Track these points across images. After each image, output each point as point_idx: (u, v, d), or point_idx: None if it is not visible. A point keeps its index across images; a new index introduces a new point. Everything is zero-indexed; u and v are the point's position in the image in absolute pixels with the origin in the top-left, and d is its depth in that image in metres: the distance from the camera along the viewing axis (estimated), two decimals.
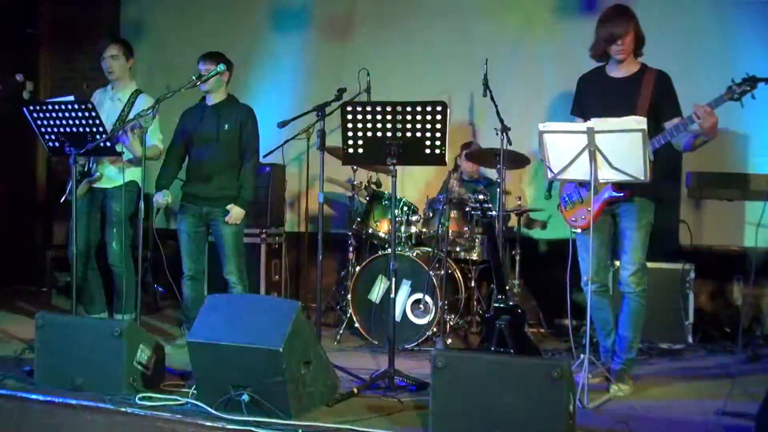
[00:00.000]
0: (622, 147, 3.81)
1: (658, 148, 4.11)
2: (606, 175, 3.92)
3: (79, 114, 4.63)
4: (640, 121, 3.77)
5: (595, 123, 3.84)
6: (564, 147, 3.94)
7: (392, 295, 4.40)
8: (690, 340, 5.44)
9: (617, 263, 4.48)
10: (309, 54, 7.21)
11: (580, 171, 3.95)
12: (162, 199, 5.20)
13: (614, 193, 4.22)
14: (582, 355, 4.04)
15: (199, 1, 7.57)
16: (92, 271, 5.51)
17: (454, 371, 3.44)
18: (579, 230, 4.34)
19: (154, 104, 4.77)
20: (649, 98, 4.22)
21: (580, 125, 3.93)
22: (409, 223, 5.75)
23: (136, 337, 4.06)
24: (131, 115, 5.13)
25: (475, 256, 5.80)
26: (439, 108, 4.13)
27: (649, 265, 4.42)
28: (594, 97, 4.39)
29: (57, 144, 4.77)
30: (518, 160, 5.65)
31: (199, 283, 5.28)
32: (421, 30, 6.86)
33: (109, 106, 5.42)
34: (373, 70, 5.93)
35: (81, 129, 4.67)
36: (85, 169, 5.36)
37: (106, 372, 3.95)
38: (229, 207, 5.09)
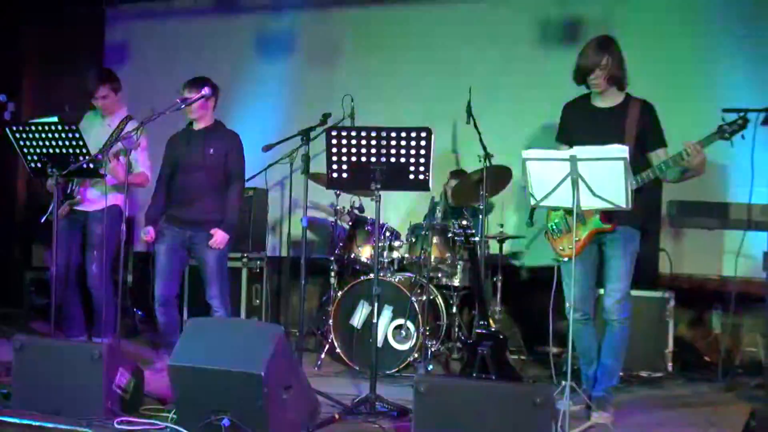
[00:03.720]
0: (604, 175, 3.83)
1: (647, 182, 4.17)
2: (588, 202, 3.94)
3: (63, 135, 4.63)
4: (622, 150, 3.80)
5: (577, 151, 3.88)
6: (547, 174, 3.95)
7: (374, 321, 4.40)
8: (669, 368, 5.46)
9: (601, 291, 4.50)
10: (294, 80, 7.24)
11: (562, 198, 3.97)
12: (147, 236, 5.17)
13: (602, 224, 4.25)
14: (564, 382, 4.04)
15: (185, 26, 7.59)
16: (71, 294, 5.46)
17: (436, 397, 3.44)
18: (565, 259, 4.35)
19: (137, 127, 4.77)
20: (635, 128, 4.28)
21: (563, 153, 3.95)
22: (391, 249, 5.76)
23: (115, 360, 4.02)
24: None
25: (457, 282, 5.82)
26: (423, 134, 4.17)
27: None
28: (580, 126, 4.43)
29: (39, 165, 4.76)
30: (501, 179, 5.64)
31: (170, 309, 5.18)
32: (405, 58, 6.92)
33: (98, 130, 5.43)
34: (358, 97, 5.96)
35: (64, 150, 4.66)
36: (68, 191, 5.34)
37: (84, 395, 3.91)
38: (213, 231, 5.05)
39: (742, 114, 4.04)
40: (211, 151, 5.10)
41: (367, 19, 7.11)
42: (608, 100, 4.40)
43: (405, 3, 7.03)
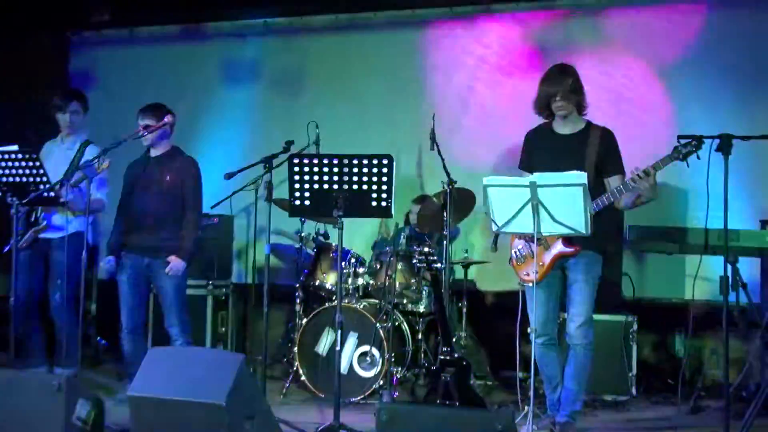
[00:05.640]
0: (563, 201, 3.89)
1: (602, 208, 4.22)
2: (548, 228, 3.98)
3: (23, 164, 4.59)
4: (580, 176, 3.85)
5: (537, 177, 3.92)
6: (508, 201, 4.00)
7: (338, 348, 4.38)
8: (633, 391, 5.48)
9: (564, 315, 4.53)
10: (258, 107, 7.27)
11: (523, 224, 4.01)
12: (109, 266, 5.14)
13: (564, 249, 4.29)
14: (527, 407, 4.06)
15: (149, 53, 7.59)
16: (33, 324, 5.38)
17: (399, 425, 3.43)
18: (530, 284, 4.38)
19: (99, 154, 4.74)
20: (595, 155, 4.34)
21: (523, 179, 4.00)
22: (356, 275, 5.76)
23: (76, 391, 3.95)
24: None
25: (422, 308, 5.82)
26: (385, 161, 4.19)
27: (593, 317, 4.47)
28: (542, 153, 4.49)
29: None
30: (465, 206, 5.67)
31: (138, 337, 5.13)
32: (369, 86, 6.97)
33: (58, 156, 5.39)
34: (322, 124, 5.99)
35: (24, 179, 4.62)
36: (32, 219, 5.29)
37: (44, 428, 3.83)
38: (169, 259, 5.01)
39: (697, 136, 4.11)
40: (168, 177, 5.08)
41: (331, 46, 7.16)
42: (569, 126, 4.47)
43: (369, 30, 7.10)
